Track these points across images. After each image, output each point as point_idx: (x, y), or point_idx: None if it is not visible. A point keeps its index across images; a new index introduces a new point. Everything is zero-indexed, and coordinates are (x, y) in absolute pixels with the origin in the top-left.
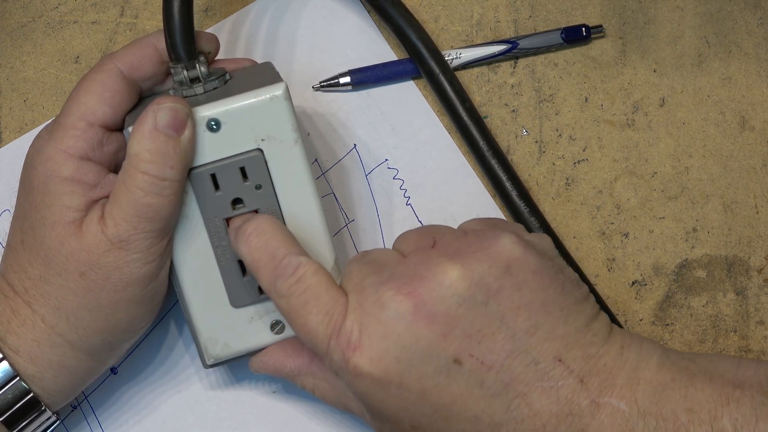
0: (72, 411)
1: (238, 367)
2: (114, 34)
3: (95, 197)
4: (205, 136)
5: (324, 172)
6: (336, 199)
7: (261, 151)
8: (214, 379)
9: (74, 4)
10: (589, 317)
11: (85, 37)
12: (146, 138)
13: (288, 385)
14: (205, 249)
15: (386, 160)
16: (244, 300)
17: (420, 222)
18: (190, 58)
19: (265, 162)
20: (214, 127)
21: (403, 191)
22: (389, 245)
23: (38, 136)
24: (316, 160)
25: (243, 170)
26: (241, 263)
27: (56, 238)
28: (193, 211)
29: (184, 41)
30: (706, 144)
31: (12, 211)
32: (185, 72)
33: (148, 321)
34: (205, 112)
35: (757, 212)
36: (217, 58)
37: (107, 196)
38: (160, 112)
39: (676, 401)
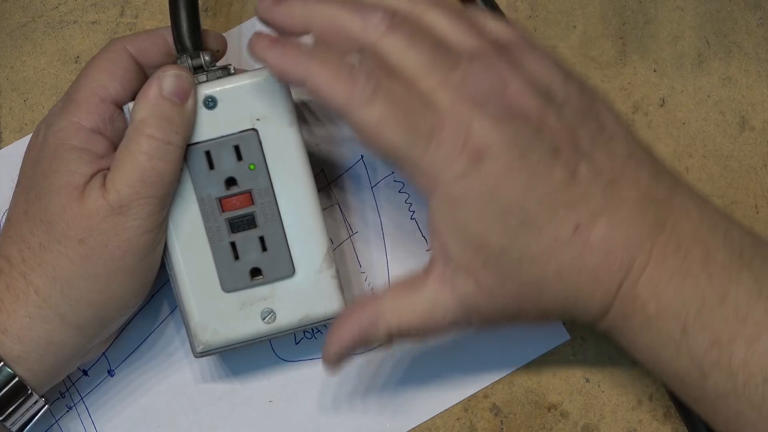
0: (67, 411)
1: (234, 374)
2: (114, 34)
3: (102, 167)
4: (201, 114)
5: (330, 182)
6: (340, 210)
7: (256, 131)
8: (211, 386)
9: (74, 4)
10: None
11: (85, 37)
12: (151, 104)
13: (285, 394)
14: (198, 229)
15: (393, 172)
16: (235, 284)
17: (424, 237)
18: (195, 48)
19: (260, 142)
20: (211, 104)
21: (408, 205)
22: (392, 259)
23: (49, 113)
24: (322, 170)
25: (237, 149)
26: (233, 245)
27: (60, 203)
28: (187, 190)
29: (190, 32)
30: (706, 144)
31: None
32: (190, 61)
33: (140, 299)
34: (203, 89)
35: (757, 212)
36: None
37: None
38: (165, 79)
39: (741, 233)
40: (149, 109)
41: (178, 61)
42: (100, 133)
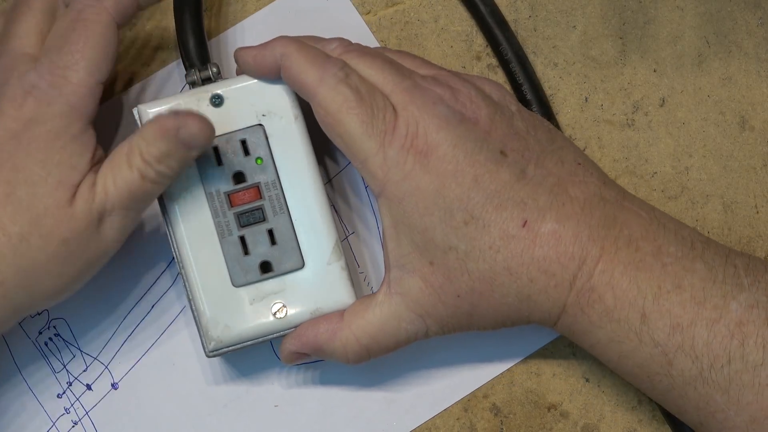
0: (73, 426)
1: (239, 381)
2: None
3: (94, 163)
4: (208, 112)
5: (324, 183)
6: (336, 211)
7: (262, 126)
8: (215, 393)
9: None
10: None
11: None
12: (163, 138)
13: (290, 398)
14: (207, 225)
15: None
16: (245, 278)
17: None
18: (203, 63)
19: (266, 136)
20: (217, 101)
21: None
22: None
23: (18, 59)
24: None
25: (244, 144)
26: (242, 239)
27: (56, 200)
28: (195, 186)
29: (197, 49)
30: (706, 144)
31: None
32: (198, 74)
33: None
34: (210, 89)
35: (757, 212)
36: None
37: (100, 163)
38: (187, 127)
39: (692, 231)
40: (159, 142)
41: (186, 77)
42: (92, 122)
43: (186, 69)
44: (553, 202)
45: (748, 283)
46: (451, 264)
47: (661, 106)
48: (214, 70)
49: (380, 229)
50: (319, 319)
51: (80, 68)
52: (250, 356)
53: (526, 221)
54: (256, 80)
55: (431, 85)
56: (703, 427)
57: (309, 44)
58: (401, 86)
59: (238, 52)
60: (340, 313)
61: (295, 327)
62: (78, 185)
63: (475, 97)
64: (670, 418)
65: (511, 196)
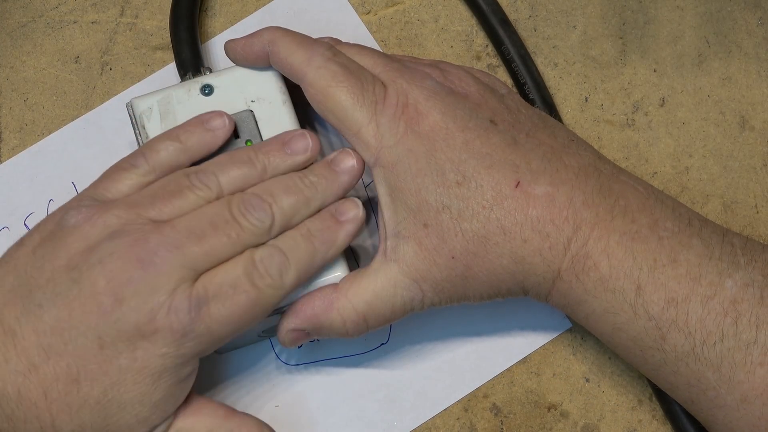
0: None
1: (239, 381)
2: (114, 34)
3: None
4: (199, 100)
5: None
6: None
7: (251, 111)
8: (216, 394)
9: (74, 4)
10: None
11: (85, 37)
12: None
13: (290, 398)
14: None
15: None
16: None
17: None
18: (196, 69)
19: (255, 120)
20: (207, 91)
21: None
22: None
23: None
24: None
25: (234, 127)
26: None
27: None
28: None
29: (191, 59)
30: (706, 144)
31: (10, 228)
32: (191, 77)
33: None
34: (201, 80)
35: (757, 212)
36: None
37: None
38: None
39: (689, 210)
40: None
41: (182, 79)
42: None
43: (181, 77)
44: (547, 167)
45: (745, 261)
46: (444, 224)
47: (661, 106)
48: (207, 73)
49: (378, 217)
50: (314, 292)
51: (227, 332)
52: (250, 356)
53: (519, 182)
54: (244, 68)
55: (420, 66)
56: (695, 405)
57: (297, 33)
58: (389, 66)
59: (228, 44)
60: (335, 285)
61: (291, 304)
62: (156, 427)
63: (464, 76)
64: (670, 417)
65: (503, 158)
